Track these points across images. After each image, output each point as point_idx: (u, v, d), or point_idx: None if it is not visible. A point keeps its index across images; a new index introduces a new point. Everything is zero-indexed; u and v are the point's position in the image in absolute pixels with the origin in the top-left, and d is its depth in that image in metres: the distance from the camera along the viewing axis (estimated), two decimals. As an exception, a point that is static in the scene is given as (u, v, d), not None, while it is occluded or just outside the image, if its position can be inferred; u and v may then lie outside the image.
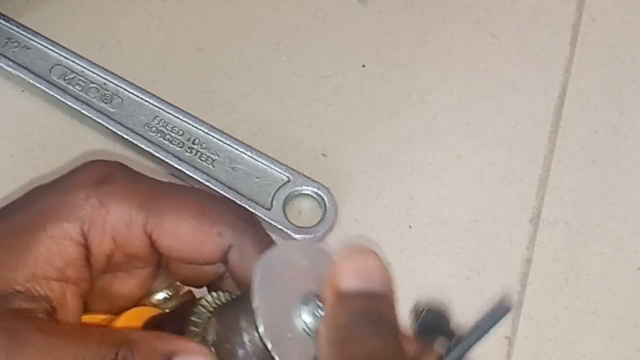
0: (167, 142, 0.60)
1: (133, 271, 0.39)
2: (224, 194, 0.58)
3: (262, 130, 0.62)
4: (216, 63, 0.64)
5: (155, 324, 0.38)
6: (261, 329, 0.33)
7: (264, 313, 0.33)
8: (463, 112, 0.64)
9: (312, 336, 0.34)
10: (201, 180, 0.59)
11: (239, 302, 0.36)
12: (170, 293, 0.40)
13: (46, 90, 0.61)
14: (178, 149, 0.60)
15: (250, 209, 0.57)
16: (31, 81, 0.61)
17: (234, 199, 0.58)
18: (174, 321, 0.37)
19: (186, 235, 0.37)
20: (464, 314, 0.58)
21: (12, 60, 0.62)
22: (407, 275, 0.58)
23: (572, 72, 0.65)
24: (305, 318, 0.34)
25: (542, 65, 0.65)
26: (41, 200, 0.38)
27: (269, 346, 0.33)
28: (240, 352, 0.35)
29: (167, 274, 0.40)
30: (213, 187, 0.58)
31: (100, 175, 0.38)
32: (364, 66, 0.65)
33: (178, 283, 0.41)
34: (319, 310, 0.34)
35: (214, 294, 0.37)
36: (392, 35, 0.66)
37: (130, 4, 0.66)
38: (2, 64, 0.61)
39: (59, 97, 0.61)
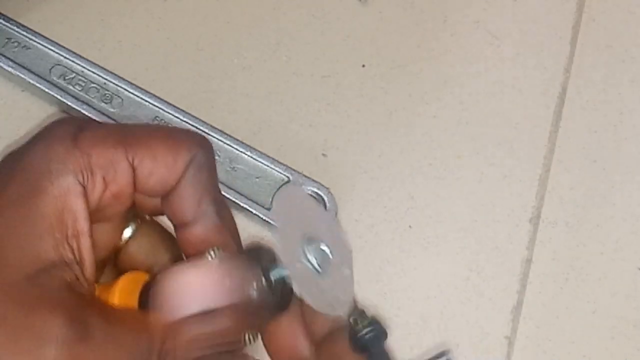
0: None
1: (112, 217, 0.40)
2: (224, 194, 0.58)
3: (262, 130, 0.62)
4: (216, 63, 0.64)
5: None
6: (285, 269, 0.36)
7: (283, 247, 0.36)
8: (463, 112, 0.64)
9: (320, 272, 0.36)
10: (201, 180, 0.59)
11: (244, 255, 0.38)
12: (134, 226, 0.41)
13: (46, 90, 0.61)
14: (178, 149, 0.60)
15: (251, 209, 0.57)
16: (31, 81, 0.61)
17: (234, 199, 0.58)
18: None
19: (162, 156, 0.39)
20: (463, 313, 0.58)
21: (12, 60, 0.62)
22: (407, 275, 0.58)
23: (572, 72, 0.65)
24: (312, 254, 0.36)
25: (542, 65, 0.65)
26: (26, 165, 0.38)
27: (294, 283, 0.35)
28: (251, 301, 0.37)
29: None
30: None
31: (70, 129, 0.38)
32: (364, 66, 0.65)
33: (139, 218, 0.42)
34: (325, 250, 0.37)
35: (212, 251, 0.38)
36: (392, 35, 0.66)
37: (130, 4, 0.66)
38: (2, 64, 0.61)
39: (59, 97, 0.61)
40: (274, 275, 0.36)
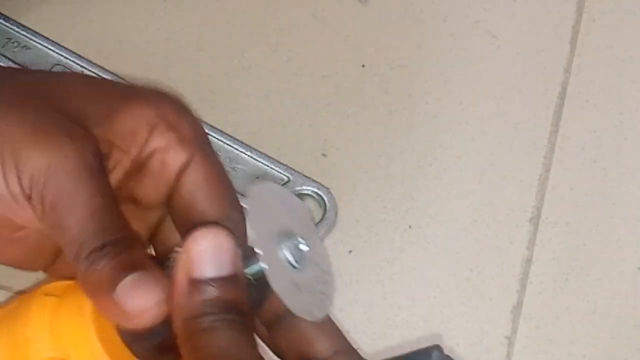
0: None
1: (136, 215, 0.40)
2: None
3: (262, 130, 0.62)
4: (216, 63, 0.64)
5: None
6: (260, 257, 0.34)
7: (258, 242, 0.34)
8: (463, 112, 0.64)
9: (296, 268, 0.35)
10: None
11: None
12: None
13: (46, 90, 0.61)
14: (178, 149, 0.60)
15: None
16: (31, 81, 0.61)
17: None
18: None
19: (213, 180, 0.39)
20: (463, 313, 0.58)
21: (12, 60, 0.62)
22: (407, 275, 0.58)
23: (572, 72, 0.65)
24: (288, 250, 0.35)
25: (542, 65, 0.65)
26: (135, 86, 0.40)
27: (266, 272, 0.34)
28: None
29: None
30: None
31: (176, 100, 0.40)
32: (364, 66, 0.65)
33: None
34: (301, 244, 0.35)
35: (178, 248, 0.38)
36: (392, 35, 0.66)
37: (130, 4, 0.66)
38: (2, 64, 0.61)
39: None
40: (249, 270, 0.35)
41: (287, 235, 0.36)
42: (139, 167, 0.38)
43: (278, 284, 0.34)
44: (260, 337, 0.38)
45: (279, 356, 0.38)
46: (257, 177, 0.59)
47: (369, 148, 0.62)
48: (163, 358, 0.36)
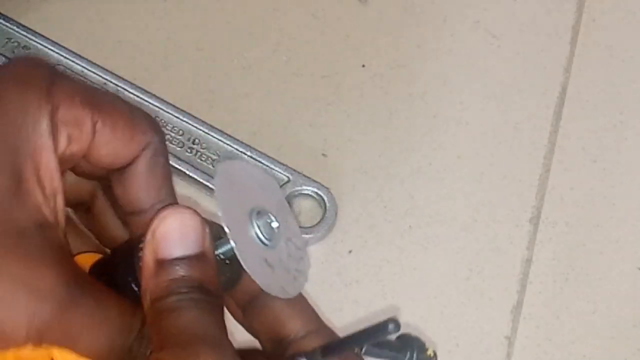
0: (167, 142, 0.60)
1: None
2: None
3: (262, 130, 0.62)
4: (216, 63, 0.64)
5: (103, 268, 0.38)
6: (228, 233, 0.34)
7: (227, 219, 0.34)
8: (463, 112, 0.64)
9: (268, 245, 0.35)
10: (201, 180, 0.59)
11: None
12: None
13: (46, 90, 0.61)
14: (178, 149, 0.60)
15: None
16: (31, 81, 0.61)
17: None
18: (123, 259, 0.37)
19: (121, 128, 0.38)
20: (463, 313, 0.58)
21: (12, 60, 0.62)
22: (407, 275, 0.58)
23: (572, 72, 0.65)
24: (259, 227, 0.35)
25: (542, 65, 0.65)
26: (2, 114, 0.36)
27: (235, 249, 0.34)
28: None
29: None
30: (213, 186, 0.58)
31: (45, 78, 0.37)
32: (364, 66, 0.65)
33: None
34: (272, 221, 0.35)
35: None
36: (392, 35, 0.66)
37: (130, 4, 0.66)
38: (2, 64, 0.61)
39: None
40: (220, 250, 0.35)
41: (258, 213, 0.35)
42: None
43: (248, 262, 0.34)
44: (235, 318, 0.38)
45: (254, 336, 0.38)
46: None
47: (369, 148, 0.62)
48: None
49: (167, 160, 0.39)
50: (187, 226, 0.34)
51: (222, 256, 0.35)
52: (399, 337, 0.35)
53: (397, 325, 0.31)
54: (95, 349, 0.34)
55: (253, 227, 0.35)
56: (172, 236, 0.34)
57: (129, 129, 0.38)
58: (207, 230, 0.35)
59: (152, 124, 0.39)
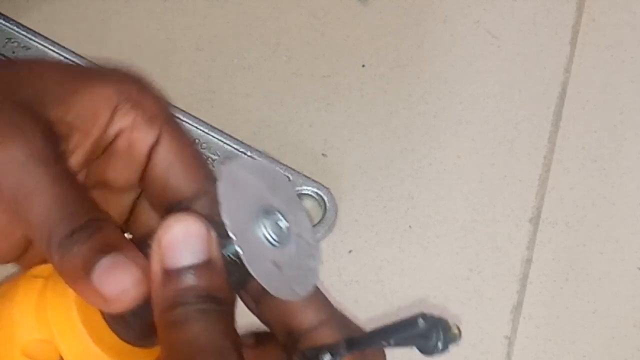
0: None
1: (109, 199, 0.39)
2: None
3: (262, 130, 0.62)
4: (216, 63, 0.64)
5: None
6: (234, 241, 0.33)
7: (231, 222, 0.33)
8: (463, 112, 0.64)
9: (276, 246, 0.34)
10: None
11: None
12: None
13: (46, 90, 0.61)
14: (178, 149, 0.60)
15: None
16: (31, 81, 0.61)
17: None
18: None
19: (186, 155, 0.38)
20: (463, 313, 0.58)
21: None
22: (407, 275, 0.58)
23: (572, 72, 0.65)
24: (267, 228, 0.34)
25: (542, 65, 0.65)
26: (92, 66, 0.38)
27: (240, 253, 0.33)
28: None
29: None
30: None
31: (136, 76, 0.39)
32: (364, 66, 0.65)
33: None
34: (280, 221, 0.34)
35: None
36: (392, 35, 0.66)
37: (130, 4, 0.66)
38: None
39: (59, 97, 0.61)
40: (228, 250, 0.34)
41: (265, 212, 0.34)
42: (106, 149, 0.38)
43: (255, 267, 0.33)
44: (249, 310, 0.38)
45: (269, 328, 0.38)
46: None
47: (369, 148, 0.62)
48: (149, 340, 0.36)
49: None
50: (192, 233, 0.34)
51: (231, 256, 0.35)
52: (423, 320, 0.35)
53: (427, 321, 0.31)
54: (38, 212, 0.34)
55: (260, 228, 0.34)
56: (178, 245, 0.33)
57: (192, 159, 0.38)
58: (213, 234, 0.34)
59: (214, 176, 0.38)
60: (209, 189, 0.37)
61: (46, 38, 0.63)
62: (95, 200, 0.35)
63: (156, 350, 0.36)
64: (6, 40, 0.62)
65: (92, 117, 0.37)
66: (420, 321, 0.31)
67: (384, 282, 0.58)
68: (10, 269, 0.40)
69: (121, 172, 0.38)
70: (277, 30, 0.66)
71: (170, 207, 0.38)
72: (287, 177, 0.59)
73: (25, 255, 0.39)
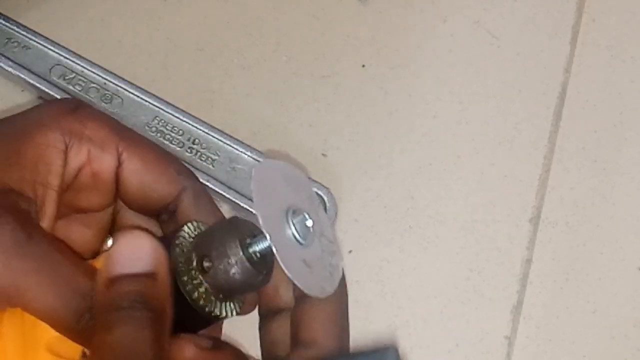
0: (167, 142, 0.60)
1: (89, 219, 0.40)
2: (224, 194, 0.58)
3: (262, 130, 0.62)
4: (216, 63, 0.64)
5: None
6: (268, 238, 0.34)
7: (266, 225, 0.34)
8: (463, 112, 0.64)
9: (303, 245, 0.35)
10: (201, 180, 0.59)
11: (223, 227, 0.36)
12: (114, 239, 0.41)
13: (46, 90, 0.61)
14: (178, 149, 0.60)
15: (251, 209, 0.57)
16: (31, 81, 0.61)
17: (234, 199, 0.58)
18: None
19: (152, 162, 0.39)
20: (463, 313, 0.58)
21: (12, 60, 0.62)
22: (407, 275, 0.58)
23: (572, 72, 0.65)
24: (296, 227, 0.35)
25: (542, 65, 0.65)
26: (21, 115, 0.38)
27: (275, 253, 0.34)
28: (233, 270, 0.36)
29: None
30: (213, 187, 0.58)
31: (72, 104, 0.39)
32: (364, 66, 0.65)
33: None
34: (307, 220, 0.35)
35: (190, 224, 0.37)
36: (392, 35, 0.66)
37: (130, 4, 0.66)
38: (2, 64, 0.61)
39: (59, 97, 0.61)
40: (254, 248, 0.35)
41: (293, 213, 0.35)
42: (72, 187, 0.39)
43: (289, 266, 0.34)
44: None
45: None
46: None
47: (369, 148, 0.62)
48: None
49: (211, 199, 0.40)
50: (136, 245, 0.34)
51: (258, 254, 0.35)
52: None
53: (397, 357, 0.32)
54: (43, 304, 0.34)
55: (290, 228, 0.35)
56: (122, 255, 0.34)
57: (159, 164, 0.39)
58: (162, 251, 0.35)
59: (185, 168, 0.40)
60: (184, 183, 0.38)
61: (46, 38, 0.63)
62: (81, 263, 0.36)
63: None
64: (6, 40, 0.62)
65: (45, 169, 0.38)
66: (391, 356, 0.31)
67: (384, 282, 0.58)
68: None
69: (93, 199, 0.40)
70: (277, 30, 0.66)
71: (157, 212, 0.39)
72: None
73: None
